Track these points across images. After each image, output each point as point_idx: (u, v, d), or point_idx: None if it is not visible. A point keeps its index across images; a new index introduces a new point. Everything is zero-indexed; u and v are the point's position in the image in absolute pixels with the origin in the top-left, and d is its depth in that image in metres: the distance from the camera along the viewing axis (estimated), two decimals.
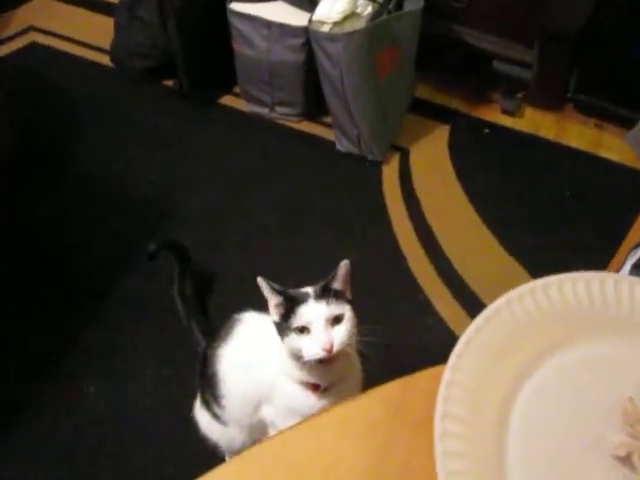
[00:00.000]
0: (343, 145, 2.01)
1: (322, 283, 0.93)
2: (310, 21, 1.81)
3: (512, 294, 0.52)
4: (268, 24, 1.87)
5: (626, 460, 0.47)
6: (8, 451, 1.37)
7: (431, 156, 2.04)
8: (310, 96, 2.01)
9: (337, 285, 0.92)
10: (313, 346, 0.87)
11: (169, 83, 2.15)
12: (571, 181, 1.96)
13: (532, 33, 2.02)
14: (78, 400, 1.44)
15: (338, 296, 0.91)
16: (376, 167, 2.00)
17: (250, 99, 2.08)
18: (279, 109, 2.07)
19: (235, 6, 1.90)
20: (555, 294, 0.52)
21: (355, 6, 1.82)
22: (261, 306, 0.97)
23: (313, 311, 0.88)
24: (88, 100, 2.12)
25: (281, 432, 0.47)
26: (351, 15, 1.81)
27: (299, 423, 0.48)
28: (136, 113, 2.10)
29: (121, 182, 1.92)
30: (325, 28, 1.79)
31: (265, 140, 2.06)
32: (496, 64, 2.09)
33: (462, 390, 0.48)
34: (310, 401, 0.96)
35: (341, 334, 0.88)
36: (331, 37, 1.77)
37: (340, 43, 1.76)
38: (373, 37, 1.77)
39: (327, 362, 0.91)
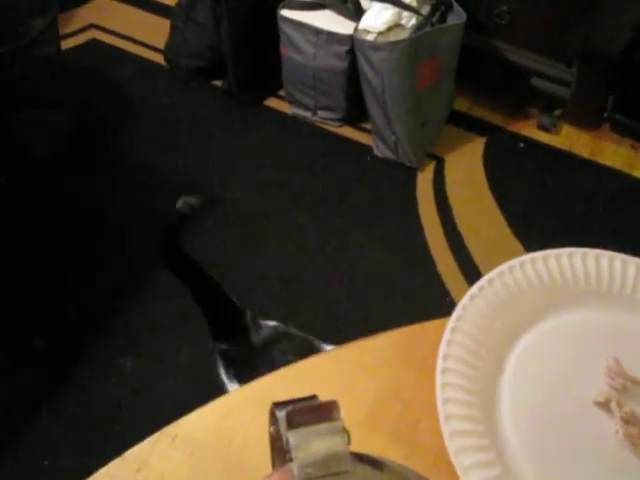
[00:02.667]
0: (381, 150, 2.09)
1: None
2: (356, 30, 1.90)
3: (514, 261, 0.59)
4: (316, 31, 1.96)
5: (605, 406, 0.53)
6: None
7: (466, 166, 2.10)
8: (351, 102, 2.09)
9: None
10: None
11: (218, 83, 2.25)
12: (604, 199, 2.00)
13: (572, 52, 2.07)
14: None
15: None
16: (411, 173, 2.06)
17: (294, 102, 2.17)
18: (321, 113, 2.16)
19: (285, 12, 1.99)
20: (542, 267, 0.59)
21: (400, 18, 1.90)
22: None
23: None
24: (141, 96, 2.24)
25: (307, 358, 0.55)
26: (395, 26, 1.89)
27: (322, 354, 0.55)
28: (186, 110, 2.21)
29: (167, 174, 2.03)
30: (370, 37, 1.87)
31: (306, 142, 2.15)
32: (535, 81, 2.14)
33: (464, 336, 0.55)
34: None
35: None
36: (375, 46, 1.85)
37: (383, 52, 1.84)
38: (415, 48, 1.85)
39: None
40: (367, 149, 2.11)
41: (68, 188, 1.99)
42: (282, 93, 2.22)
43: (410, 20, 1.91)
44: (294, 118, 2.19)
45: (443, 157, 2.11)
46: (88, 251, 1.83)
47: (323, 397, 0.54)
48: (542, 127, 2.20)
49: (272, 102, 2.24)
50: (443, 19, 1.97)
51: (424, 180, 2.05)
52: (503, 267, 0.59)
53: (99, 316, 1.68)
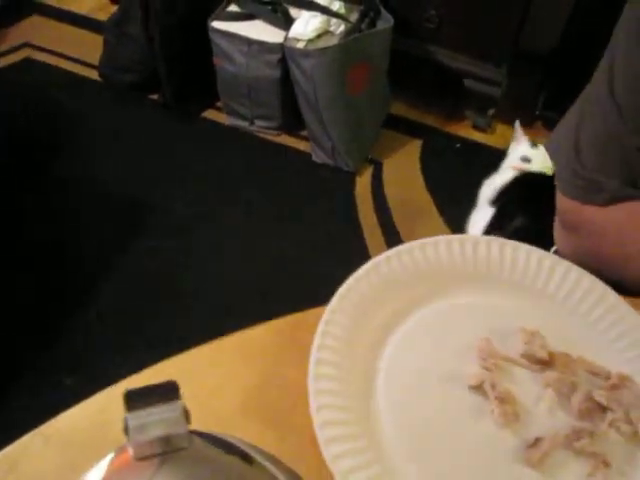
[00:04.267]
0: (319, 156, 2.10)
1: None
2: (286, 38, 1.91)
3: (392, 251, 0.60)
4: (247, 41, 1.97)
5: (479, 389, 0.54)
6: None
7: (403, 169, 2.12)
8: (287, 110, 2.10)
9: None
10: None
11: (154, 97, 2.25)
12: None
13: (501, 53, 2.12)
14: None
15: None
16: (350, 178, 2.08)
17: (231, 113, 2.18)
18: (258, 122, 2.16)
19: (216, 24, 1.99)
20: (419, 255, 0.60)
21: (328, 25, 1.92)
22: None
23: None
24: (77, 112, 2.22)
25: (189, 351, 0.55)
26: (325, 33, 1.91)
27: (204, 345, 0.56)
28: (122, 124, 2.20)
29: (106, 190, 2.01)
30: (300, 45, 1.89)
31: (244, 152, 2.15)
32: (467, 82, 2.18)
33: (338, 328, 0.55)
34: None
35: None
36: (305, 53, 1.87)
37: (313, 59, 1.86)
38: (344, 53, 1.87)
39: None
40: (305, 156, 2.12)
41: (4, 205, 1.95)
42: (219, 104, 2.22)
43: (339, 27, 1.93)
44: (232, 128, 2.19)
45: (381, 160, 2.14)
46: (24, 263, 1.80)
47: (200, 388, 0.54)
48: (477, 127, 2.24)
49: (209, 113, 2.24)
50: (372, 25, 2.00)
51: (362, 184, 2.07)
52: (380, 257, 0.60)
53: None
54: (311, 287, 1.76)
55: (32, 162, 2.07)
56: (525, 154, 1.69)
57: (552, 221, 0.83)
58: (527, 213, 1.47)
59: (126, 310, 1.71)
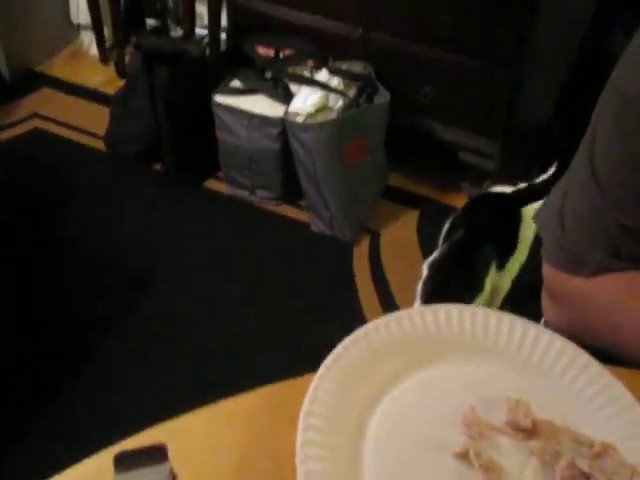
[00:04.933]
0: (317, 226, 2.14)
1: None
2: (286, 113, 1.98)
3: (380, 321, 0.62)
4: (249, 115, 2.04)
5: (464, 457, 0.55)
6: None
7: (400, 239, 2.16)
8: (287, 181, 2.15)
9: None
10: None
11: (157, 167, 2.31)
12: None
13: (494, 126, 2.18)
14: None
15: None
16: (348, 248, 2.11)
17: (232, 183, 2.23)
18: (259, 192, 2.21)
19: (219, 98, 2.07)
20: (408, 324, 0.62)
21: (327, 100, 1.99)
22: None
23: None
24: (83, 182, 2.27)
25: (179, 417, 0.56)
26: (323, 108, 1.98)
27: (194, 412, 0.57)
28: (126, 194, 2.25)
29: (109, 259, 2.04)
30: (299, 119, 1.95)
31: (245, 222, 2.19)
32: (462, 155, 2.24)
33: (326, 395, 0.57)
34: None
35: None
36: (304, 127, 1.93)
37: (312, 132, 1.92)
38: (342, 127, 1.93)
39: None
40: (304, 225, 2.16)
41: (7, 276, 1.97)
42: (220, 174, 2.27)
43: (337, 102, 2.00)
44: (232, 198, 2.24)
45: (378, 231, 2.17)
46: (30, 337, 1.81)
47: (189, 454, 0.55)
48: None
49: (211, 184, 2.29)
50: (370, 100, 2.07)
51: (360, 254, 2.10)
52: (369, 326, 0.61)
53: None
54: (311, 356, 1.77)
55: (36, 229, 2.11)
56: None
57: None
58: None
59: (119, 377, 1.72)
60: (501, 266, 1.54)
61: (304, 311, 1.92)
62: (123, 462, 0.40)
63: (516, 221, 1.58)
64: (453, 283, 1.46)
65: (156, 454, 0.40)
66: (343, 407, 0.57)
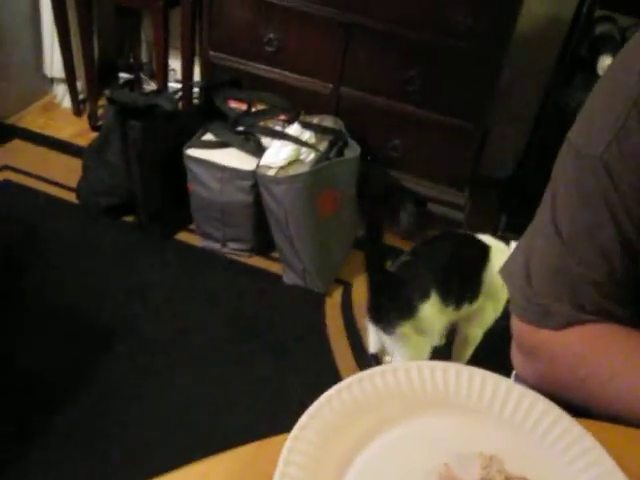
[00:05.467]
0: (290, 278, 2.15)
1: None
2: (258, 166, 2.01)
3: (353, 379, 0.63)
4: (221, 168, 2.06)
5: None
6: None
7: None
8: (259, 233, 2.17)
9: None
10: None
11: (129, 219, 2.31)
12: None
13: (462, 179, 2.24)
14: None
15: None
16: (320, 299, 2.12)
17: (204, 235, 2.24)
18: (231, 245, 2.22)
19: (191, 152, 2.09)
20: (380, 381, 0.63)
21: (299, 154, 2.03)
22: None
23: None
24: (53, 234, 2.26)
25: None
26: (295, 161, 2.01)
27: (167, 475, 0.56)
28: (97, 246, 2.24)
29: (78, 310, 2.02)
30: (271, 172, 1.98)
31: (216, 274, 2.19)
32: (430, 206, 2.29)
33: (301, 456, 0.57)
34: None
35: None
36: (276, 180, 1.96)
37: (284, 185, 1.95)
38: (314, 180, 1.96)
39: None
40: (276, 278, 2.17)
41: None
42: (192, 227, 2.28)
43: (309, 155, 2.04)
44: (204, 250, 2.24)
45: (350, 282, 2.19)
46: None
47: None
48: None
49: (182, 236, 2.30)
50: (340, 153, 2.11)
51: (332, 305, 2.11)
52: (342, 383, 0.62)
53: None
54: (280, 412, 1.75)
55: (2, 283, 2.08)
56: None
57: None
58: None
59: (89, 432, 1.68)
60: (457, 305, 1.57)
61: (275, 362, 1.91)
62: None
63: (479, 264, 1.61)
64: (387, 305, 1.50)
65: None
66: (317, 468, 0.57)
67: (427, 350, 1.57)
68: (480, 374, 0.65)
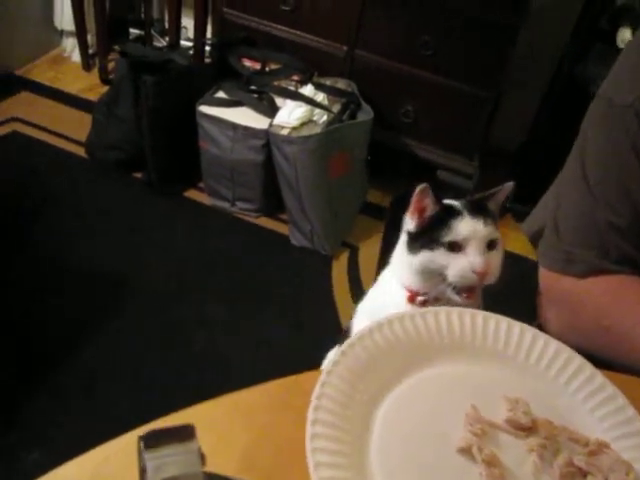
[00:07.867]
0: (297, 239, 2.16)
1: (475, 198, 0.86)
2: (270, 125, 2.00)
3: (384, 320, 0.64)
4: (233, 126, 2.05)
5: (467, 452, 0.57)
6: None
7: (379, 254, 2.18)
8: (268, 193, 2.17)
9: (493, 206, 0.84)
10: (465, 266, 0.77)
11: (139, 175, 2.30)
12: (506, 280, 2.10)
13: (472, 147, 2.23)
14: None
15: (493, 218, 0.80)
16: (327, 261, 2.13)
17: (213, 194, 2.24)
18: (239, 204, 2.22)
19: (204, 109, 2.08)
20: (409, 324, 0.64)
21: (312, 115, 2.02)
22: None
23: (471, 227, 0.78)
24: (61, 187, 2.26)
25: (183, 410, 0.57)
26: (308, 122, 2.01)
27: (197, 405, 0.57)
28: (106, 201, 2.24)
29: (85, 265, 2.02)
30: (284, 132, 1.98)
31: (224, 233, 2.20)
32: (440, 173, 2.29)
33: (334, 390, 0.58)
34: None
35: (496, 261, 0.79)
36: (288, 140, 1.95)
37: (296, 146, 1.94)
38: (326, 142, 1.96)
39: (467, 293, 0.79)
40: (284, 239, 2.18)
41: None
42: (201, 185, 2.28)
43: (322, 117, 2.03)
44: (213, 209, 2.24)
45: (357, 245, 2.20)
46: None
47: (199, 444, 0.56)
48: None
49: (191, 193, 2.29)
50: (353, 116, 2.11)
51: (339, 267, 2.12)
52: (373, 324, 0.63)
53: None
54: (288, 367, 1.77)
55: (13, 235, 2.08)
56: None
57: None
58: None
59: (103, 387, 1.70)
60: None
61: (281, 323, 1.93)
62: (151, 441, 0.41)
63: None
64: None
65: (184, 433, 0.41)
66: (349, 402, 0.58)
67: None
68: (506, 322, 0.67)
